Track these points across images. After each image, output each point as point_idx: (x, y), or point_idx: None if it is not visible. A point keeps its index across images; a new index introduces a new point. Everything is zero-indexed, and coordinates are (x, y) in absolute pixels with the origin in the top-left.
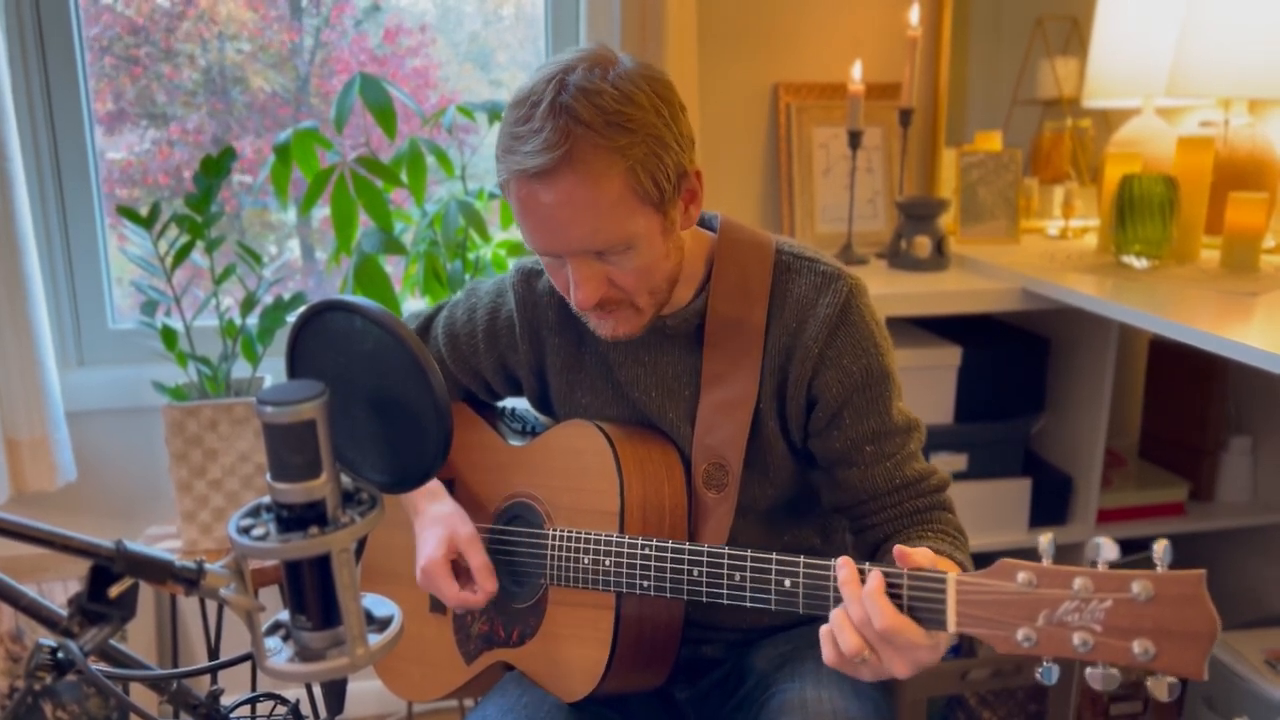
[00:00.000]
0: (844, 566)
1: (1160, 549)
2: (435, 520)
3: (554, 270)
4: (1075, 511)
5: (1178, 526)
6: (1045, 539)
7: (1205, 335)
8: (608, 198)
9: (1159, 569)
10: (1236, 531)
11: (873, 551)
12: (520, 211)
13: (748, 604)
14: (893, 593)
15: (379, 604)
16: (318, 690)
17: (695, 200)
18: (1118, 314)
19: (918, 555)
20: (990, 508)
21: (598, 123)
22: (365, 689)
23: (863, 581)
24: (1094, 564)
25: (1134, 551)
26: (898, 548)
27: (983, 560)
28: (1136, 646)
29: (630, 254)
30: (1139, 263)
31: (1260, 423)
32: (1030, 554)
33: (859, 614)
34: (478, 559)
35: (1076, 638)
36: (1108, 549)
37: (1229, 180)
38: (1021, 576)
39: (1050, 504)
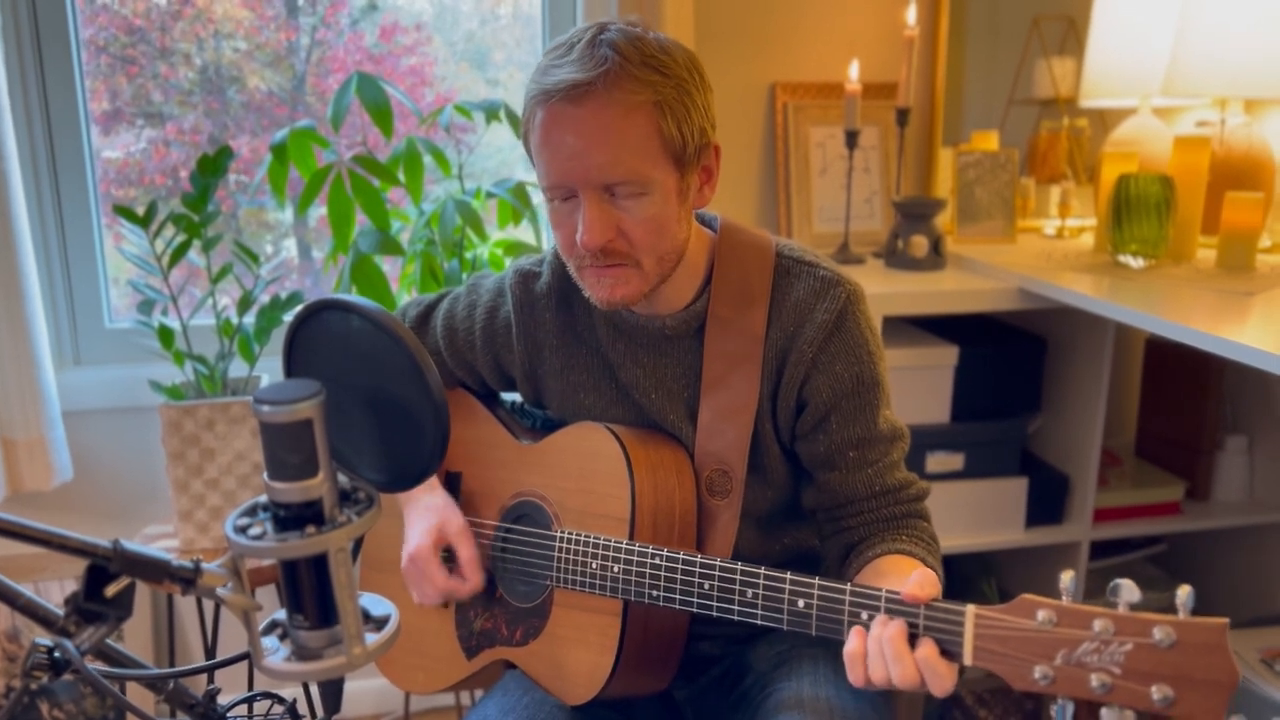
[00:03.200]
0: (895, 628)
1: (1184, 595)
2: (426, 510)
3: (562, 218)
4: (1071, 510)
5: (1174, 526)
6: (1067, 577)
7: (1201, 335)
8: (634, 130)
9: (1181, 615)
10: (1232, 531)
11: (846, 553)
12: (543, 138)
13: (759, 621)
14: (908, 622)
15: (376, 603)
16: (315, 689)
17: (710, 180)
18: (1114, 313)
19: (912, 588)
20: (987, 507)
21: (635, 58)
22: (362, 688)
23: (874, 615)
24: (1114, 605)
25: (1131, 550)
26: (907, 592)
27: (980, 559)
28: (1155, 692)
29: (644, 200)
30: (1135, 262)
31: (1256, 422)
32: (1027, 553)
33: (880, 676)
34: (467, 551)
35: (1094, 679)
36: (1129, 591)
37: (1225, 180)
38: (1041, 614)
39: (1047, 503)
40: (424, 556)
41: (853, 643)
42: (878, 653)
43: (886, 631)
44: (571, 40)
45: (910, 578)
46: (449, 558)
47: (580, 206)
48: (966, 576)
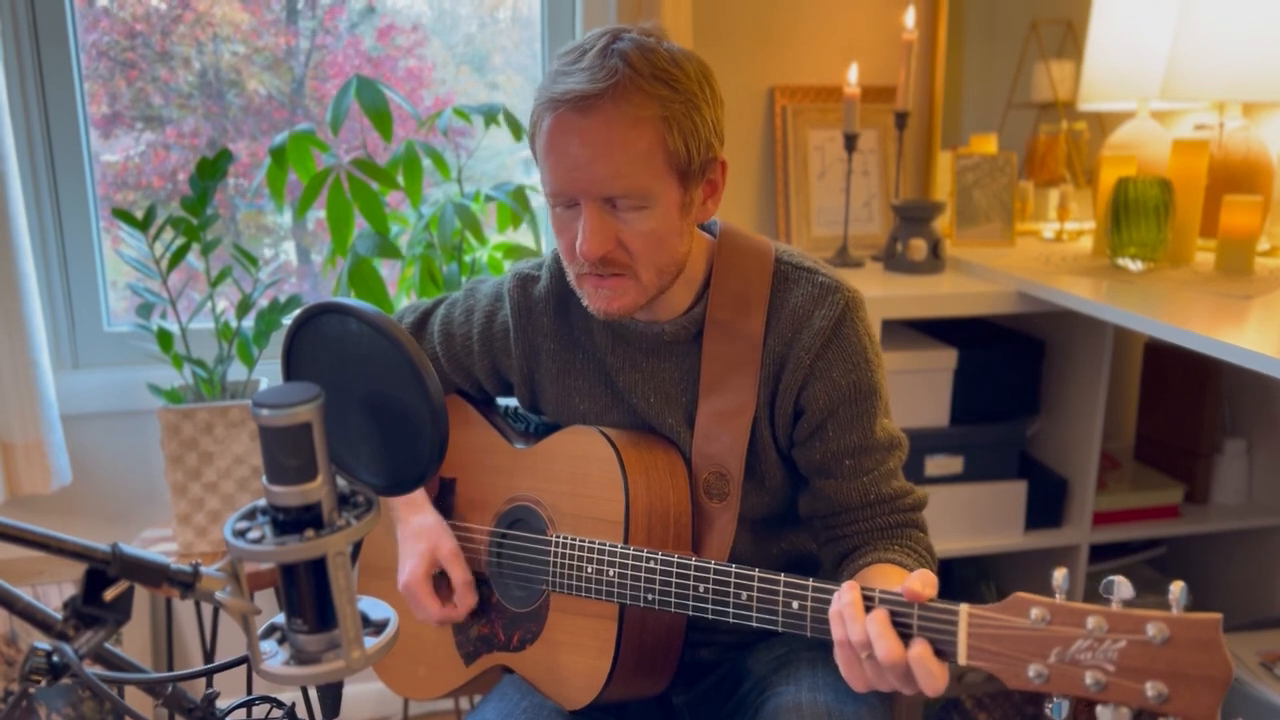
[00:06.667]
0: (850, 589)
1: (1176, 590)
2: (418, 534)
3: (564, 224)
4: (1070, 514)
5: (1173, 529)
6: (1060, 574)
7: (1200, 338)
8: (639, 143)
9: (1174, 611)
10: (1231, 534)
11: (839, 561)
12: (548, 146)
13: (754, 624)
14: (902, 622)
15: (375, 606)
16: (314, 693)
17: (715, 194)
18: (1113, 316)
19: (914, 584)
20: (986, 510)
21: (645, 70)
22: (362, 691)
23: (869, 609)
24: (1108, 602)
25: (1130, 553)
26: (905, 586)
27: (979, 562)
28: (1149, 689)
29: (645, 213)
30: (1134, 265)
31: (1255, 425)
32: (1027, 556)
33: (859, 637)
34: (460, 575)
35: (1089, 676)
36: (1122, 588)
37: (1223, 183)
38: (1035, 612)
39: (1046, 506)
40: (416, 587)
41: (838, 631)
42: (858, 622)
43: (843, 598)
44: (584, 46)
45: (912, 574)
46: (443, 580)
47: (581, 215)
48: (966, 580)
